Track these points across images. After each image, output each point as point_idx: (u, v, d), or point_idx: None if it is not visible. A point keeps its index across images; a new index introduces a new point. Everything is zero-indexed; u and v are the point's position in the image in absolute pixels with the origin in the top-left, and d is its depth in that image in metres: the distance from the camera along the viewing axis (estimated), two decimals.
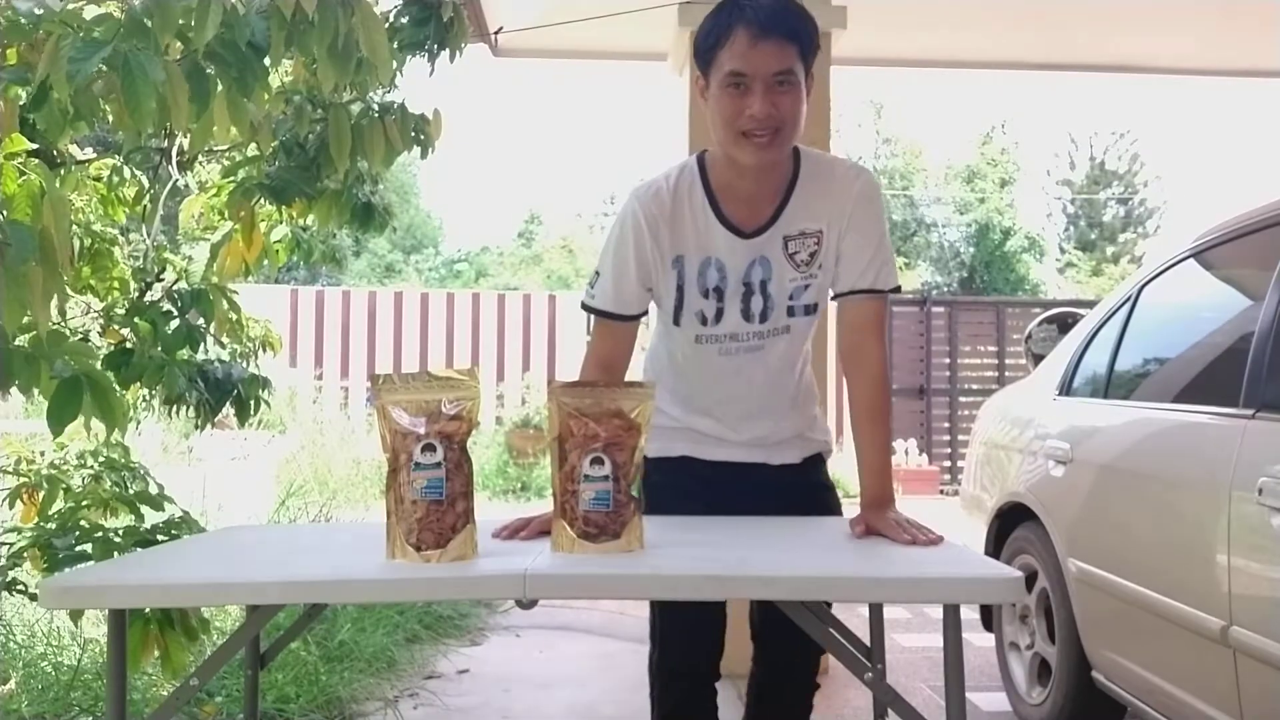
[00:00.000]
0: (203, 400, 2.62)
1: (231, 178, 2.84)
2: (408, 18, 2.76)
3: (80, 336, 2.57)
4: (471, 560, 1.55)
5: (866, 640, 2.00)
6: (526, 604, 1.49)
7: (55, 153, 2.60)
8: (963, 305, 11.26)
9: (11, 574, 2.26)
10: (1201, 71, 5.79)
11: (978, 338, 10.68)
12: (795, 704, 2.10)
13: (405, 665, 3.90)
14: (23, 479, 2.60)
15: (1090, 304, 4.66)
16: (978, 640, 3.70)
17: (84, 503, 2.40)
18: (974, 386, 10.48)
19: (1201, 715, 2.29)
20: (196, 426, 2.71)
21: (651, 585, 1.60)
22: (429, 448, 1.54)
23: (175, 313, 2.67)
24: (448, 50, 2.79)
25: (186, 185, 3.08)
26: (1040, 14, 4.70)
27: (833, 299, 2.01)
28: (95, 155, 2.96)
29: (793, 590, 1.52)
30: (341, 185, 2.89)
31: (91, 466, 2.62)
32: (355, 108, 2.63)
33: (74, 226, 2.54)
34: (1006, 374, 10.21)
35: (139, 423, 3.60)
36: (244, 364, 2.86)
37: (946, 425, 10.52)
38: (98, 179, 2.91)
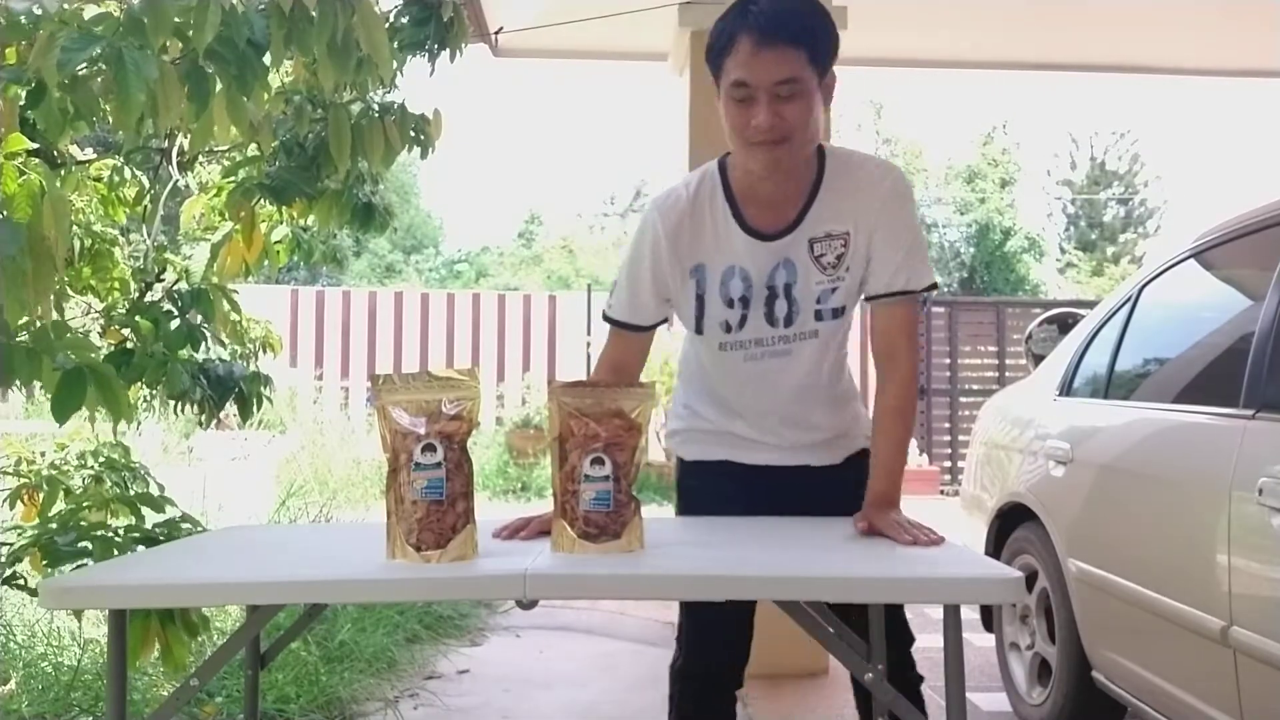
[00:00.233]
0: (206, 397, 2.62)
1: (232, 178, 2.84)
2: (408, 17, 2.76)
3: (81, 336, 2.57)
4: (471, 560, 1.55)
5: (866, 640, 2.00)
6: (526, 604, 1.49)
7: (55, 153, 2.60)
8: (963, 305, 11.26)
9: (13, 568, 2.26)
10: (1202, 71, 5.79)
11: (978, 338, 10.68)
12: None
13: (405, 665, 3.90)
14: (23, 480, 2.60)
15: (1090, 304, 4.66)
16: (978, 640, 3.70)
17: (85, 504, 2.40)
18: (974, 387, 10.48)
19: (1201, 715, 2.29)
20: (199, 424, 2.71)
21: (651, 585, 1.60)
22: (429, 448, 1.54)
23: (175, 313, 2.67)
24: (448, 50, 2.79)
25: (187, 185, 3.08)
26: (1040, 14, 4.70)
27: (864, 300, 1.96)
28: (95, 155, 2.96)
29: (793, 590, 1.52)
30: (342, 185, 2.89)
31: (92, 467, 2.62)
32: (355, 108, 2.63)
33: (74, 226, 2.54)
34: (1007, 374, 10.20)
35: (139, 423, 3.60)
36: (244, 364, 2.86)
37: (947, 425, 10.52)
38: (98, 179, 2.91)
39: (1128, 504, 2.66)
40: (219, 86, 2.00)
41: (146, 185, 2.95)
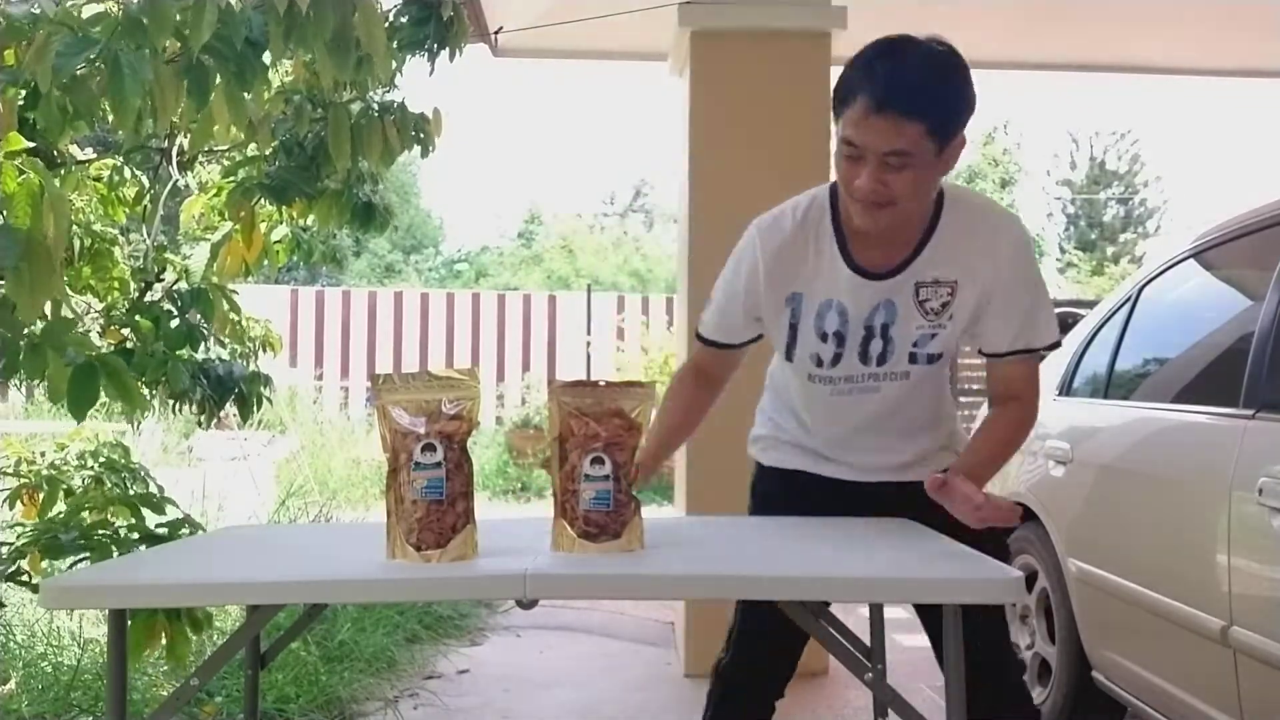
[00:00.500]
0: (206, 397, 2.62)
1: (231, 178, 2.84)
2: (407, 17, 2.76)
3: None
4: (471, 560, 1.55)
5: (866, 640, 2.00)
6: (527, 604, 1.49)
7: (55, 153, 2.60)
8: None
9: (15, 564, 2.26)
10: (1202, 71, 5.79)
11: None
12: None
13: (405, 665, 3.90)
14: (23, 480, 2.60)
15: (1090, 304, 4.66)
16: None
17: (85, 505, 2.40)
18: (974, 387, 10.46)
19: (1201, 715, 2.29)
20: (199, 424, 2.71)
21: (651, 585, 1.60)
22: (429, 448, 1.54)
23: (175, 312, 2.68)
24: (448, 50, 2.79)
25: (186, 185, 3.09)
26: (1041, 14, 4.69)
27: (982, 354, 1.89)
28: (95, 155, 2.96)
29: (793, 590, 1.52)
30: (342, 185, 2.89)
31: (92, 468, 2.62)
32: (355, 107, 2.63)
33: (74, 226, 2.54)
34: None
35: (139, 422, 3.60)
36: (244, 363, 2.86)
37: None
38: (98, 179, 2.91)
39: (1128, 504, 2.66)
40: (218, 82, 2.00)
41: (146, 185, 2.95)
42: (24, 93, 1.96)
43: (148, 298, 2.84)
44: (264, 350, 3.10)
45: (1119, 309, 3.14)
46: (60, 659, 3.31)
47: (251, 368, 2.85)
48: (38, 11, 1.87)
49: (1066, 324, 3.62)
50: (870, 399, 1.90)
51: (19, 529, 2.38)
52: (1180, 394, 2.68)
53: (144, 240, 2.96)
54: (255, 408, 2.76)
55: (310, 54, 2.09)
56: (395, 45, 2.66)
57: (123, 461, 2.68)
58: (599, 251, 23.71)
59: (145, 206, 2.96)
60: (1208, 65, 5.61)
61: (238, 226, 2.82)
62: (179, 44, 1.96)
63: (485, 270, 26.58)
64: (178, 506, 2.50)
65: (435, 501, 1.53)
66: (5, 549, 2.29)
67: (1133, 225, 27.07)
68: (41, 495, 2.52)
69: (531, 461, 9.70)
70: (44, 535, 2.22)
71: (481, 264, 27.48)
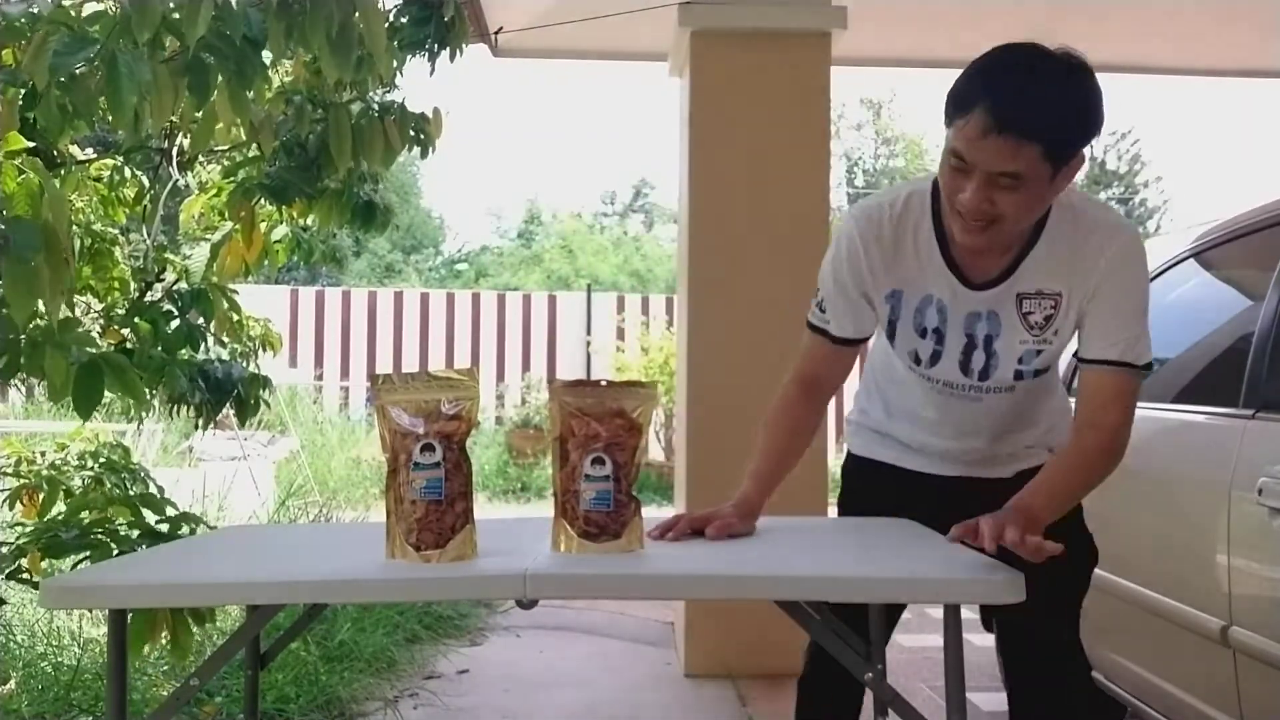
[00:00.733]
0: (204, 400, 2.62)
1: (232, 178, 2.84)
2: (408, 17, 2.76)
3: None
4: (471, 560, 1.54)
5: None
6: (527, 604, 1.49)
7: (55, 153, 2.60)
8: None
9: (16, 563, 2.26)
10: (1202, 71, 5.79)
11: None
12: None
13: (405, 665, 3.90)
14: (23, 480, 2.60)
15: None
16: (978, 640, 3.69)
17: (85, 505, 2.40)
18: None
19: (1201, 715, 2.29)
20: (197, 426, 2.71)
21: (651, 585, 1.60)
22: (428, 448, 1.54)
23: (175, 313, 2.68)
24: (448, 50, 2.79)
25: (186, 185, 3.09)
26: (1040, 15, 4.70)
27: (1075, 360, 1.80)
28: (95, 155, 2.96)
29: (793, 590, 1.52)
30: (342, 185, 2.89)
31: (92, 468, 2.62)
32: (355, 107, 2.63)
33: (74, 226, 2.54)
34: None
35: (139, 422, 3.60)
36: (244, 364, 2.86)
37: None
38: (98, 179, 2.91)
39: (1127, 504, 2.66)
40: (220, 81, 2.00)
41: (146, 185, 2.95)
42: (23, 92, 1.96)
43: (148, 298, 2.84)
44: (263, 350, 3.10)
45: None
46: (60, 659, 3.31)
47: (251, 369, 2.85)
48: (36, 11, 1.87)
49: None
50: (971, 407, 1.85)
51: (19, 529, 2.37)
52: (1180, 394, 2.68)
53: (144, 240, 2.96)
54: (253, 410, 2.75)
55: (312, 52, 2.09)
56: (396, 45, 2.67)
57: (123, 462, 2.68)
58: (599, 251, 23.71)
59: (145, 206, 2.96)
60: (1208, 65, 5.60)
61: (238, 226, 2.82)
62: (179, 43, 1.96)
63: (485, 270, 26.58)
64: (175, 507, 2.50)
65: (434, 502, 1.53)
66: (5, 548, 2.29)
67: None
68: (41, 495, 2.52)
69: (531, 461, 9.71)
70: (44, 535, 2.22)
71: (481, 264, 27.48)
